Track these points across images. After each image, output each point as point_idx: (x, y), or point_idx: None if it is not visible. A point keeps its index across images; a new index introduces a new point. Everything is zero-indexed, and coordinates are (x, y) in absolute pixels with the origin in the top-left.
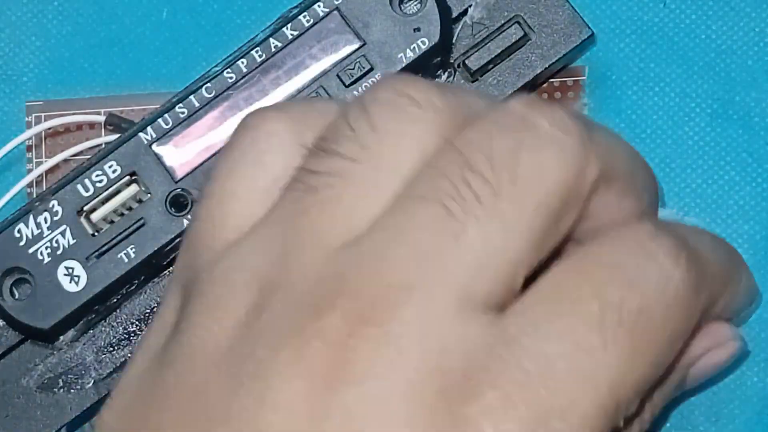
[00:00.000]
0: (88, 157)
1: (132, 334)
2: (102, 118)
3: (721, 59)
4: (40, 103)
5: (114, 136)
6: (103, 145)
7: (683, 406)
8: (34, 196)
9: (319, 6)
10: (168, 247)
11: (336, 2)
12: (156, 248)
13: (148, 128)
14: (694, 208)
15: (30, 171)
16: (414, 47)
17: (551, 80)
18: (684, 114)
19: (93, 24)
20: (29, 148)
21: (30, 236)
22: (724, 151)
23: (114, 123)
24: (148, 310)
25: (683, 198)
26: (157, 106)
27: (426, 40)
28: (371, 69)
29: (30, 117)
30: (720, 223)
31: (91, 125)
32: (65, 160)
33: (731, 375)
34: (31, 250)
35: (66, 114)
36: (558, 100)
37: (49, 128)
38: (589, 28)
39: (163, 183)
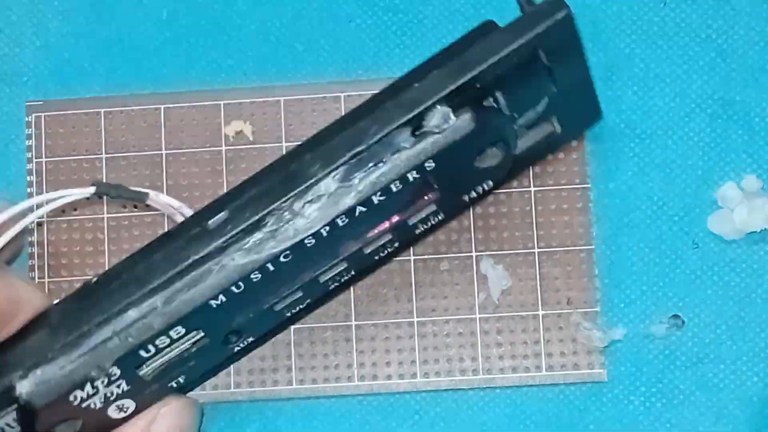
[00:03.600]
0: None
1: None
2: (93, 190)
3: (722, 59)
4: (40, 102)
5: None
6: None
7: (683, 406)
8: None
9: (411, 174)
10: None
11: (428, 168)
12: (201, 376)
13: (220, 295)
14: (693, 208)
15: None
16: (479, 189)
17: None
18: (684, 114)
19: (93, 24)
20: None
21: (84, 396)
22: (724, 151)
23: (102, 192)
24: None
25: (683, 198)
26: (156, 107)
27: (491, 182)
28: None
29: (30, 117)
30: None
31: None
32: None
33: (731, 375)
34: (83, 406)
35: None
36: None
37: (50, 211)
38: (600, 112)
39: (222, 328)
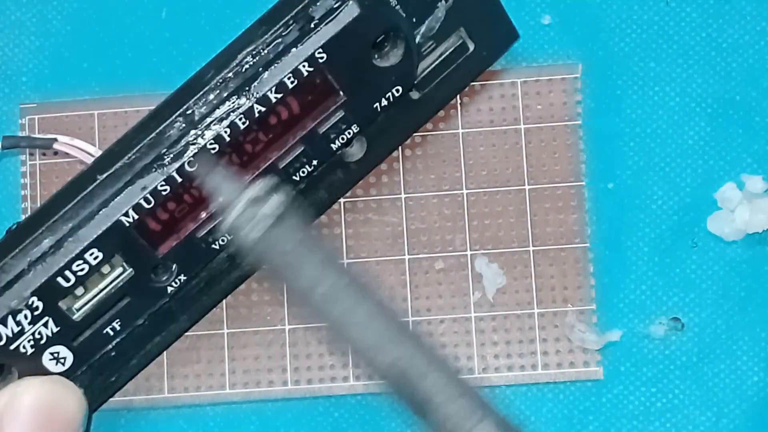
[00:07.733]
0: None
1: None
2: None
3: (722, 58)
4: (34, 105)
5: None
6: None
7: (684, 406)
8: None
9: (303, 66)
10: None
11: (320, 59)
12: (141, 321)
13: (130, 211)
14: (693, 207)
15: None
16: (389, 95)
17: (545, 78)
18: (684, 114)
19: (93, 24)
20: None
21: (10, 335)
22: (724, 150)
23: (10, 144)
24: None
25: (683, 198)
26: (150, 108)
27: (400, 88)
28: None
29: (24, 119)
30: None
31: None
32: None
33: (731, 375)
34: (12, 347)
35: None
36: (551, 98)
37: None
38: (516, 32)
39: (146, 258)
